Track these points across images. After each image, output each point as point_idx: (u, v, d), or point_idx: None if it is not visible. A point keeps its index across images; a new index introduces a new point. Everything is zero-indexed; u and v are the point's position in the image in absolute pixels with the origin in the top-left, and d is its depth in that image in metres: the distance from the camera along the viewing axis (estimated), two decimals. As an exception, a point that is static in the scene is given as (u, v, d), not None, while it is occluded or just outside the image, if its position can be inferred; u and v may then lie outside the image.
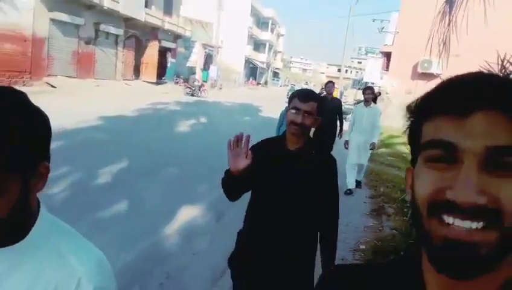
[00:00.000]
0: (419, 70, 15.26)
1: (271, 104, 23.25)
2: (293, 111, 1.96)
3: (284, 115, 5.74)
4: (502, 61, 2.89)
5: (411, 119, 0.57)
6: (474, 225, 0.47)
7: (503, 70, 2.86)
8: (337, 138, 7.66)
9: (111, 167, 6.77)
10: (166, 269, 3.79)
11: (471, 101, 0.48)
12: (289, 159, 1.98)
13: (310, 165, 1.97)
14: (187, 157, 8.44)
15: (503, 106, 0.48)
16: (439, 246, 0.48)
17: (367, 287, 0.63)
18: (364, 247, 4.44)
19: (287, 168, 1.95)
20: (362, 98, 7.10)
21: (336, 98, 8.11)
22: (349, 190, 6.71)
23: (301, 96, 1.98)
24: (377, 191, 6.90)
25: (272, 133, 5.30)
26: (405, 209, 5.61)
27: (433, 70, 14.58)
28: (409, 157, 2.11)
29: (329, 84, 7.70)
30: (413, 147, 0.57)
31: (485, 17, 2.85)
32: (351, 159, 6.86)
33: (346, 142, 7.01)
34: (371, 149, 6.86)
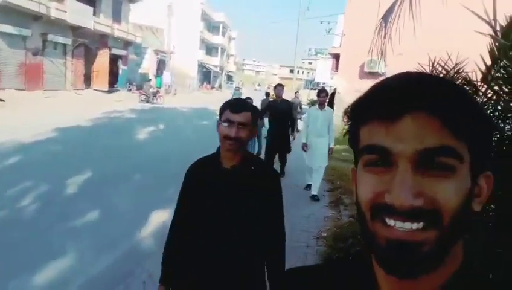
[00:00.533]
0: (366, 70, 16.23)
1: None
2: (226, 124, 1.78)
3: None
4: (433, 64, 3.41)
5: (349, 123, 0.58)
6: (415, 225, 0.48)
7: (433, 71, 3.38)
8: (291, 139, 7.85)
9: (75, 178, 6.82)
10: (147, 268, 4.02)
11: (399, 105, 0.49)
12: (225, 178, 1.80)
13: (249, 183, 1.79)
14: (150, 163, 8.59)
15: (430, 107, 0.48)
16: (384, 247, 0.50)
17: (320, 289, 0.64)
18: (325, 234, 4.89)
19: (224, 188, 1.79)
20: (315, 98, 7.31)
21: (285, 100, 7.90)
22: (315, 196, 6.61)
23: (233, 107, 1.80)
24: (334, 184, 7.41)
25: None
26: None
27: (378, 69, 15.58)
28: None
29: (279, 88, 7.64)
30: (354, 150, 0.57)
31: (414, 32, 3.37)
32: (309, 162, 6.87)
33: (305, 145, 6.79)
34: (329, 154, 6.82)
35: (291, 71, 77.82)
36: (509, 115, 2.94)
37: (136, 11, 32.02)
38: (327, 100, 6.74)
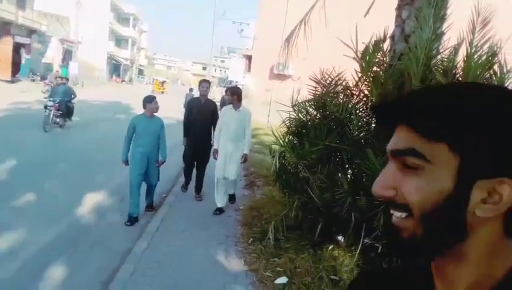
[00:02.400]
0: (275, 71, 17.81)
1: (139, 102, 23.63)
2: None
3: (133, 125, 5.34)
4: (322, 72, 4.65)
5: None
6: (398, 214, 0.57)
7: (322, 78, 4.61)
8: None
9: (2, 166, 7.00)
10: (91, 237, 4.72)
11: (394, 118, 0.60)
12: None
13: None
14: (74, 153, 8.90)
15: (406, 118, 0.57)
16: (387, 229, 1.08)
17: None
18: (242, 207, 5.99)
19: None
20: (225, 94, 7.63)
21: (210, 101, 6.73)
22: (219, 209, 5.75)
23: None
24: (249, 171, 8.56)
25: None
26: (270, 182, 7.35)
27: (286, 72, 17.25)
28: (271, 144, 4.37)
29: (204, 84, 6.41)
30: None
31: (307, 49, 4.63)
32: (218, 171, 5.72)
33: (216, 152, 5.76)
34: (242, 163, 5.89)
35: (204, 68, 78.21)
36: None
37: (41, -3, 30.08)
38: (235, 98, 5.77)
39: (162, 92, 37.87)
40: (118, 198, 6.18)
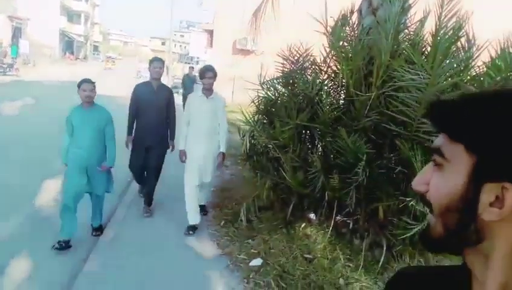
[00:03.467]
0: (238, 46, 17.45)
1: (98, 80, 22.65)
2: None
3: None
4: (290, 49, 4.53)
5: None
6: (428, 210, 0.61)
7: (290, 54, 4.49)
8: (169, 150, 5.09)
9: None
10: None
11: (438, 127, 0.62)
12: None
13: None
14: (29, 137, 8.39)
15: (437, 123, 0.61)
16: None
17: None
18: (213, 189, 5.90)
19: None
20: (188, 72, 6.36)
21: (165, 87, 5.15)
22: (192, 228, 4.49)
23: None
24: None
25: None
26: (238, 161, 7.26)
27: (249, 47, 16.95)
28: (237, 122, 4.25)
29: (156, 64, 4.85)
30: None
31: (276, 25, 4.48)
32: (190, 178, 4.54)
33: (183, 153, 4.62)
34: (217, 166, 4.77)
35: (163, 43, 75.72)
36: (341, 88, 4.22)
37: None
38: (213, 82, 4.54)
39: (110, 68, 40.24)
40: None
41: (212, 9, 22.19)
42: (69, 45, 51.13)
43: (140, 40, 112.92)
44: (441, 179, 0.58)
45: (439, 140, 0.60)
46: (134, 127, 4.93)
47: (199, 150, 4.50)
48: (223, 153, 4.63)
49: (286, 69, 4.57)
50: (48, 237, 4.10)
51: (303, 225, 4.36)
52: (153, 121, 4.78)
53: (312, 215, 4.48)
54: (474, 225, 0.55)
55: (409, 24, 3.99)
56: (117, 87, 17.15)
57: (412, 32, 3.93)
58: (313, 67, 4.48)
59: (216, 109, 4.58)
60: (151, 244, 4.19)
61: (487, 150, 0.54)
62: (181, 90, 14.85)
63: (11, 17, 32.41)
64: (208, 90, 4.54)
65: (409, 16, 4.05)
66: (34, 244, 4.04)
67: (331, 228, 4.08)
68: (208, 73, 4.51)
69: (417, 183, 0.62)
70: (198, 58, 29.91)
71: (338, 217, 4.19)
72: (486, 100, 0.57)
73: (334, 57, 4.27)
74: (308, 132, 4.29)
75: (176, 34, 73.38)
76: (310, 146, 4.28)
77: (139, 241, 4.23)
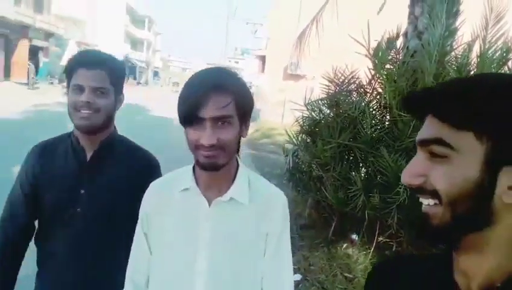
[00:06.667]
0: (289, 71, 17.82)
1: (155, 104, 24.25)
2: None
3: None
4: (335, 71, 4.66)
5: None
6: (426, 201, 0.60)
7: (335, 76, 4.62)
8: None
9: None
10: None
11: (423, 109, 0.63)
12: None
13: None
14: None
15: (433, 110, 0.60)
16: (418, 216, 0.63)
17: (405, 281, 0.71)
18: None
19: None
20: None
21: None
22: None
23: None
24: (263, 171, 8.61)
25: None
26: (284, 181, 7.36)
27: (299, 72, 17.26)
28: (285, 144, 4.31)
29: None
30: None
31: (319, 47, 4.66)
32: None
33: None
34: None
35: (218, 69, 78.20)
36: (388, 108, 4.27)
37: (58, 1, 30.75)
38: None
39: (177, 92, 45.34)
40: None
41: (265, 36, 22.90)
42: (131, 71, 54.54)
43: (197, 66, 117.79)
44: (450, 169, 0.57)
45: (436, 130, 0.58)
46: None
47: None
48: None
49: (331, 91, 4.69)
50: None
51: (345, 245, 4.36)
52: None
53: (354, 236, 4.47)
54: (486, 210, 0.56)
55: (456, 46, 3.99)
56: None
57: (459, 55, 3.92)
58: (359, 89, 4.57)
59: None
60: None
61: (502, 135, 0.54)
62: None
63: (79, 42, 35.32)
64: None
65: (457, 37, 4.05)
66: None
67: (372, 249, 4.06)
68: None
69: (412, 177, 0.61)
70: (251, 83, 30.73)
71: (381, 238, 4.16)
72: (492, 86, 0.57)
73: (378, 79, 4.34)
74: (350, 151, 4.34)
75: (231, 60, 75.94)
76: (352, 165, 4.33)
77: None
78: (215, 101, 1.00)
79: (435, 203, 0.59)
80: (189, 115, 1.02)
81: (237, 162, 1.21)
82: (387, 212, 3.64)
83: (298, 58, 4.40)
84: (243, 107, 1.08)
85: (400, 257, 0.88)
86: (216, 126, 1.02)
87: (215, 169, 1.06)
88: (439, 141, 0.58)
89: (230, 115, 1.04)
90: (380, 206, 3.67)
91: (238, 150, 1.18)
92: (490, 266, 0.59)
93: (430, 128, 0.60)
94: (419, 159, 0.61)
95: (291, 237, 4.30)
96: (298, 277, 3.83)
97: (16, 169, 1.63)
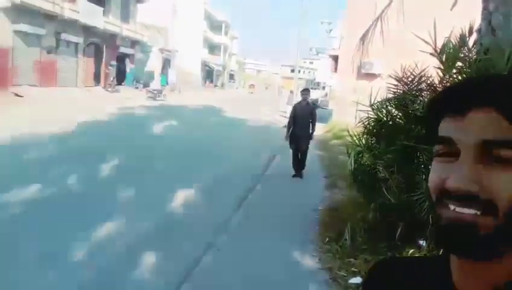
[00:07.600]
0: (363, 71, 17.31)
1: (232, 105, 25.15)
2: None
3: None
4: (404, 70, 4.50)
5: (428, 123, 0.61)
6: (472, 211, 0.50)
7: (404, 75, 4.46)
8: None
9: (115, 166, 7.94)
10: (181, 229, 5.13)
11: (465, 101, 0.53)
12: None
13: None
14: (183, 151, 9.80)
15: (492, 102, 0.51)
16: (445, 225, 0.53)
17: (403, 280, 0.67)
18: (321, 208, 6.01)
19: None
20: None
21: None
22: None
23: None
24: (331, 172, 8.54)
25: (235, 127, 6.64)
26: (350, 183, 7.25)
27: (375, 70, 16.68)
28: (349, 145, 4.27)
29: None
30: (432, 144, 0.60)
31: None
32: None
33: None
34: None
35: (292, 70, 78.66)
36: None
37: (142, 11, 33.15)
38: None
39: (252, 93, 56.55)
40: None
41: (339, 36, 22.51)
42: (209, 74, 56.86)
43: (272, 68, 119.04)
44: None
45: (504, 131, 0.50)
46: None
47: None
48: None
49: (399, 91, 4.53)
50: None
51: (411, 251, 4.19)
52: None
53: (422, 242, 4.28)
54: None
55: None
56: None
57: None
58: (430, 88, 4.36)
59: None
60: (262, 246, 4.54)
61: None
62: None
63: (162, 49, 37.64)
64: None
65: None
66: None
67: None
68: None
69: (467, 183, 0.51)
70: (324, 83, 30.41)
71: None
72: None
73: (451, 78, 4.11)
74: (417, 153, 4.17)
75: (306, 60, 75.55)
76: (419, 168, 4.15)
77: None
78: None
79: (484, 213, 0.50)
80: None
81: None
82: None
83: (360, 58, 4.33)
84: None
85: (400, 258, 0.73)
86: None
87: None
88: (508, 144, 0.50)
89: None
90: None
91: None
92: (501, 272, 0.54)
93: (490, 127, 0.51)
94: (471, 163, 0.51)
95: (355, 240, 4.24)
96: (358, 279, 3.78)
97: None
